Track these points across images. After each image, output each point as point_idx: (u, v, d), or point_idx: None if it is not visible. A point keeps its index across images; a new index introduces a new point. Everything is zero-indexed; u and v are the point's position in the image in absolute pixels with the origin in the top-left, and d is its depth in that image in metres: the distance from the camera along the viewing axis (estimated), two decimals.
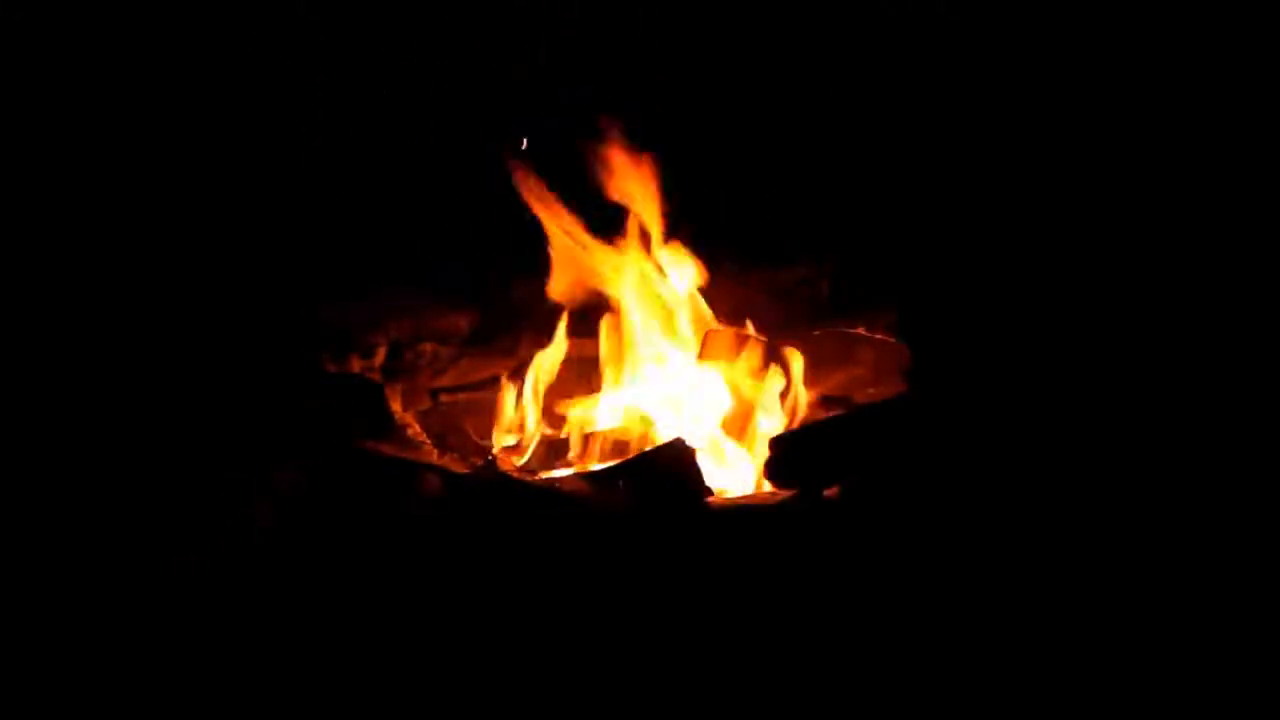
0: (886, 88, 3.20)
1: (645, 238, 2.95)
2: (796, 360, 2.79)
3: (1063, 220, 3.01)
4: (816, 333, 3.03)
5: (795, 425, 2.75)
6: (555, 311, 2.95)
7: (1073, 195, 3.02)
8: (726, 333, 2.83)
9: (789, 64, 3.20)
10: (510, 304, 3.20)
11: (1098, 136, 3.05)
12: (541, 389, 2.93)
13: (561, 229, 2.91)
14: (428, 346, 3.11)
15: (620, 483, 2.43)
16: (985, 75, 3.14)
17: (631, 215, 2.93)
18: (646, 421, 2.79)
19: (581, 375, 2.99)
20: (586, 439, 2.79)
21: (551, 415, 2.94)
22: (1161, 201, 2.95)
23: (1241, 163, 2.91)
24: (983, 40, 3.14)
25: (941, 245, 3.03)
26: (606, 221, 2.95)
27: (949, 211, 3.11)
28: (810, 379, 2.88)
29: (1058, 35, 3.09)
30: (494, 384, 3.05)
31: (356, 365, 3.00)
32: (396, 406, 2.91)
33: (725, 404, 2.79)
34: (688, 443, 2.49)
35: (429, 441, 2.86)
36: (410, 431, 2.85)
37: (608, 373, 2.94)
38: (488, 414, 3.01)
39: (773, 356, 2.77)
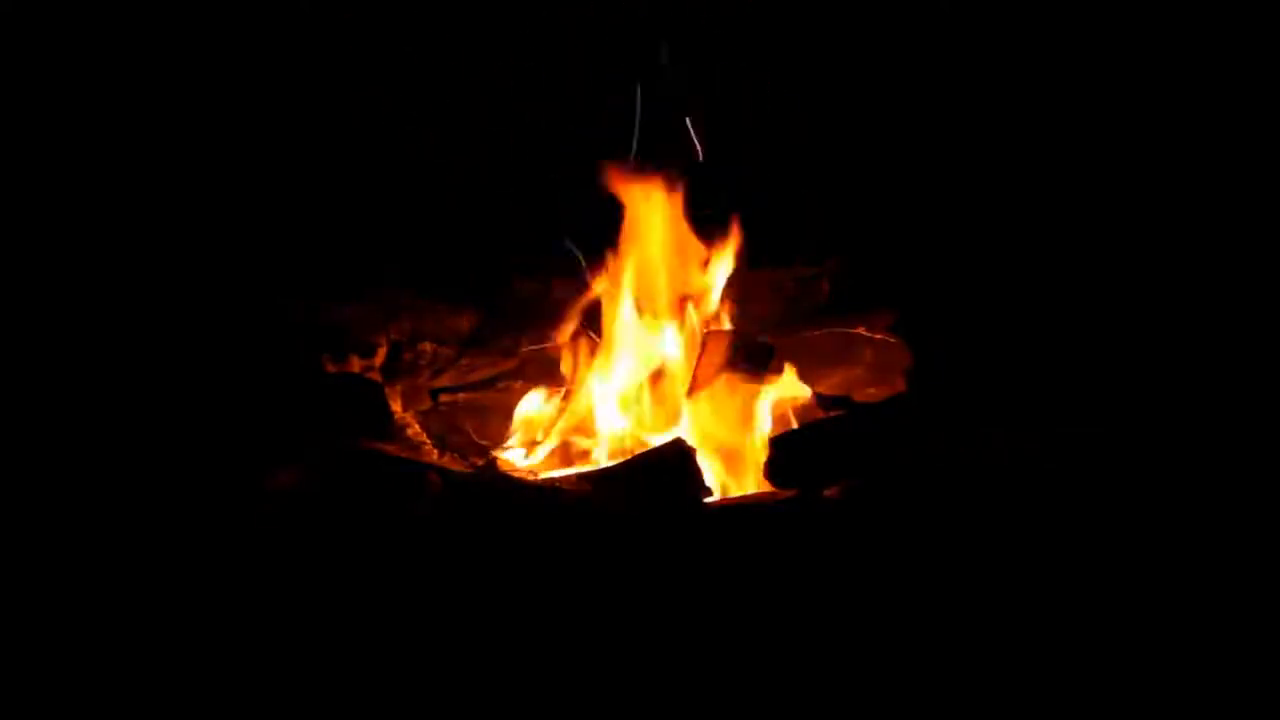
0: (888, 90, 3.21)
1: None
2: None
3: (1061, 221, 3.02)
4: (816, 333, 3.03)
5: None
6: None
7: (1071, 198, 3.03)
8: (725, 334, 2.83)
9: (792, 66, 3.21)
10: (510, 304, 3.20)
11: (1097, 137, 3.05)
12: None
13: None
14: (428, 346, 3.11)
15: (620, 483, 2.44)
16: (986, 78, 3.14)
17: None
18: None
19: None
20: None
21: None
22: (1159, 202, 2.96)
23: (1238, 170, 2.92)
24: (985, 44, 3.14)
25: (941, 246, 3.04)
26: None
27: (949, 213, 3.11)
28: (810, 379, 2.88)
29: (1055, 39, 3.09)
30: (494, 384, 3.06)
31: (356, 365, 3.00)
32: (396, 406, 2.91)
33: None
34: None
35: (429, 441, 2.86)
36: (410, 431, 2.85)
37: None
38: (487, 414, 3.01)
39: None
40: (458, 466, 2.66)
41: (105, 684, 2.01)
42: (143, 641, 2.09)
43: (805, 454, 2.51)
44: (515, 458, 2.85)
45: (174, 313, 2.87)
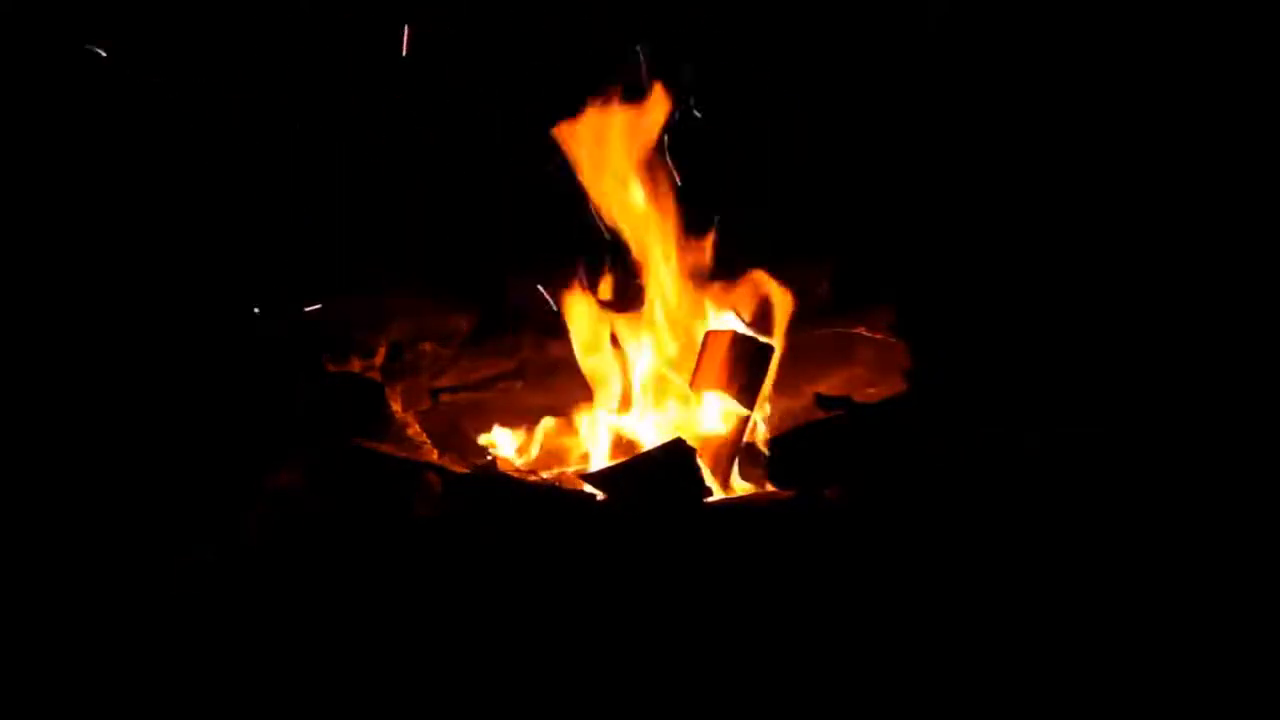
0: (888, 90, 3.21)
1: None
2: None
3: (1060, 221, 3.02)
4: (817, 332, 3.03)
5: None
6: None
7: (1070, 197, 3.03)
8: (725, 334, 2.82)
9: (792, 65, 3.21)
10: (510, 304, 3.20)
11: (1096, 137, 3.06)
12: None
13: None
14: (428, 346, 3.11)
15: (620, 483, 2.44)
16: (985, 78, 3.14)
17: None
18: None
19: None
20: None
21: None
22: (1158, 202, 2.96)
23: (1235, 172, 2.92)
24: (984, 44, 3.14)
25: (940, 246, 3.04)
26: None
27: (948, 213, 3.11)
28: (810, 378, 2.88)
29: (1053, 39, 3.09)
30: (494, 384, 3.06)
31: (356, 365, 3.00)
32: (396, 406, 2.91)
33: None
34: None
35: (429, 441, 2.86)
36: (410, 431, 2.85)
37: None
38: (487, 414, 3.01)
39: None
40: (458, 466, 2.66)
41: (105, 683, 2.01)
42: (143, 641, 2.09)
43: (805, 454, 2.51)
44: (514, 457, 2.85)
45: (174, 313, 2.87)
